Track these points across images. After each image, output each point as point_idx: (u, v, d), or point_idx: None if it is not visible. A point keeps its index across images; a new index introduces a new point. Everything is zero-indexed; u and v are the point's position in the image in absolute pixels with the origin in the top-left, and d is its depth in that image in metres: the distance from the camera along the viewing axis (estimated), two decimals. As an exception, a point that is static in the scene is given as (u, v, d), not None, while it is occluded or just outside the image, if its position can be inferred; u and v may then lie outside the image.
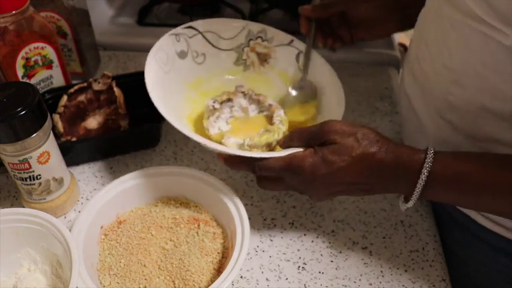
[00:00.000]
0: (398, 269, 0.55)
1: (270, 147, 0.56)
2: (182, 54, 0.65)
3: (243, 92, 0.63)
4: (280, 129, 0.57)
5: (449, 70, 0.50)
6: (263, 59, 0.68)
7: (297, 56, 0.67)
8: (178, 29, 0.65)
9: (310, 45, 0.66)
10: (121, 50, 0.88)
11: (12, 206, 0.61)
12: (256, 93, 0.64)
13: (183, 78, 0.65)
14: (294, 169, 0.49)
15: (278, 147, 0.57)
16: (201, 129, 0.61)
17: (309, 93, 0.66)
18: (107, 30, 0.91)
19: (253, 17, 0.94)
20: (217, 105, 0.60)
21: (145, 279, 0.51)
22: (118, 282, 0.51)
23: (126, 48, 0.88)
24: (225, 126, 0.61)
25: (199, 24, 0.66)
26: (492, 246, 0.56)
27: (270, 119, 0.61)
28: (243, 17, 0.93)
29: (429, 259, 0.56)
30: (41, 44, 0.66)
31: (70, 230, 0.49)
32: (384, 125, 0.74)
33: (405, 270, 0.55)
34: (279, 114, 0.60)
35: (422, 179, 0.45)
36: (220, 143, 0.56)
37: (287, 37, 0.67)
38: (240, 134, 0.59)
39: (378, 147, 0.47)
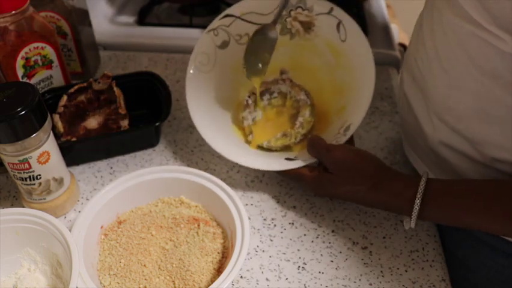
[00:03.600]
0: (398, 269, 0.55)
1: (288, 147, 0.64)
2: (223, 45, 0.67)
3: (283, 80, 0.66)
4: (299, 132, 0.64)
5: (446, 73, 0.50)
6: (307, 26, 0.67)
7: (338, 25, 0.65)
8: (214, 23, 0.66)
9: None
10: (121, 50, 0.88)
11: (12, 206, 0.61)
12: (295, 83, 0.66)
13: (229, 65, 0.67)
14: (303, 183, 0.60)
15: (295, 147, 0.65)
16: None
17: (271, 44, 0.65)
18: (107, 30, 0.91)
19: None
20: (250, 101, 0.67)
21: (145, 279, 0.51)
22: (118, 282, 0.51)
23: (126, 48, 0.88)
24: (259, 116, 0.67)
25: (234, 9, 0.67)
26: (490, 247, 0.56)
27: (294, 119, 0.66)
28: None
29: (429, 259, 0.56)
30: (41, 44, 0.66)
31: (70, 230, 0.49)
32: (384, 125, 0.74)
33: (405, 270, 0.55)
34: (304, 115, 0.64)
35: (415, 213, 0.49)
36: (248, 138, 0.66)
37: (326, 5, 0.66)
38: (268, 128, 0.67)
39: (371, 183, 0.53)
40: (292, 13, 0.67)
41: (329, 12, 0.65)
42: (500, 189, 0.47)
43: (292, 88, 0.67)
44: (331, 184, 0.56)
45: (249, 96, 0.67)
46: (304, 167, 0.59)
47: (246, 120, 0.66)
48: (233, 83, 0.69)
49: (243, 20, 0.67)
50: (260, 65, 0.65)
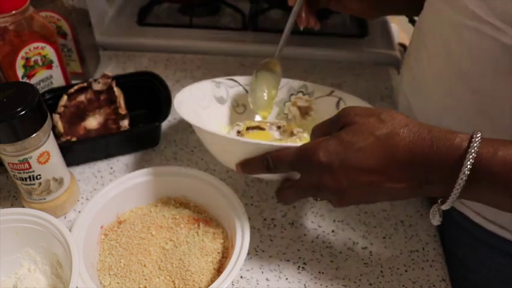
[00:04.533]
0: (398, 269, 0.55)
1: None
2: (221, 100, 0.67)
3: (279, 126, 0.64)
4: (295, 141, 0.59)
5: (447, 72, 0.50)
6: (304, 112, 0.68)
7: (338, 103, 0.66)
8: (220, 79, 0.67)
9: (293, 18, 0.64)
10: (121, 50, 0.88)
11: (12, 206, 0.61)
12: (289, 124, 0.65)
13: (220, 120, 0.66)
14: (308, 157, 0.42)
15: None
16: None
17: (275, 79, 0.65)
18: (107, 30, 0.91)
19: (253, 17, 0.94)
20: (240, 128, 0.62)
21: (145, 279, 0.51)
22: (118, 282, 0.51)
23: (126, 48, 0.88)
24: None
25: (241, 78, 0.68)
26: (489, 246, 0.56)
27: (290, 136, 0.63)
28: (243, 17, 0.93)
29: (429, 259, 0.56)
30: (41, 44, 0.66)
31: (70, 230, 0.49)
32: (384, 125, 0.74)
33: (405, 270, 0.55)
34: (299, 130, 0.61)
35: (466, 168, 0.36)
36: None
37: (327, 89, 0.67)
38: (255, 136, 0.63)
39: (407, 129, 0.39)
40: (293, 97, 0.68)
41: (329, 94, 0.67)
42: None
43: (288, 128, 0.64)
44: (352, 135, 0.41)
45: (237, 125, 0.62)
46: (309, 142, 0.46)
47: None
48: (222, 125, 0.67)
49: (244, 89, 0.68)
50: (266, 99, 0.65)
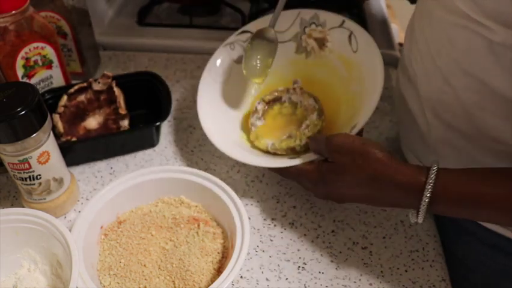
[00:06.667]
0: (398, 269, 0.55)
1: (294, 150, 0.61)
2: (239, 59, 0.68)
3: (294, 89, 0.66)
4: (305, 134, 0.61)
5: (439, 70, 0.51)
6: (321, 43, 0.68)
7: (349, 37, 0.66)
8: (231, 38, 0.68)
9: None
10: (121, 50, 0.88)
11: (12, 206, 0.61)
12: (305, 91, 0.66)
13: (244, 78, 0.67)
14: (304, 178, 0.55)
15: (301, 151, 0.61)
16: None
17: (270, 47, 0.65)
18: (107, 30, 0.91)
19: (253, 17, 0.94)
20: (259, 107, 0.66)
21: (145, 279, 0.51)
22: (118, 282, 0.51)
23: (126, 48, 0.88)
24: (261, 122, 0.66)
25: (251, 25, 0.68)
26: (489, 246, 0.56)
27: (300, 121, 0.64)
28: (243, 17, 0.93)
29: (429, 259, 0.56)
30: (41, 44, 0.66)
31: (70, 230, 0.49)
32: (384, 125, 0.74)
33: (405, 270, 0.55)
34: (311, 118, 0.63)
35: (425, 201, 0.45)
36: (254, 143, 0.64)
37: (338, 18, 0.67)
38: (269, 131, 0.65)
39: (373, 169, 0.47)
40: (307, 30, 0.68)
41: (341, 25, 0.66)
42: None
43: (302, 96, 0.66)
44: (331, 173, 0.51)
45: (259, 103, 0.67)
46: (305, 163, 0.56)
47: (253, 126, 0.65)
48: (245, 94, 0.70)
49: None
50: (259, 67, 0.65)
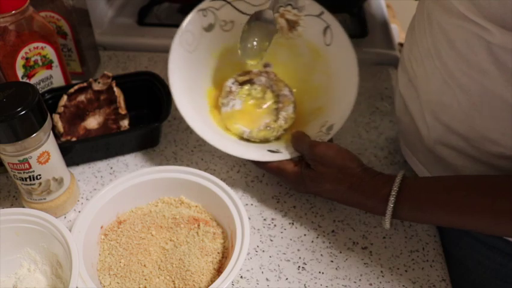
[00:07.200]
0: (398, 269, 0.55)
1: (267, 140, 0.63)
2: (209, 27, 0.66)
3: (267, 73, 0.65)
4: (281, 127, 0.62)
5: (439, 71, 0.51)
6: (292, 25, 0.67)
7: (325, 29, 0.65)
8: (205, 3, 0.65)
9: None
10: (121, 50, 0.88)
11: (12, 206, 0.61)
12: (278, 78, 0.65)
13: (210, 50, 0.66)
14: (284, 178, 0.60)
15: (277, 140, 0.64)
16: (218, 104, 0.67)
17: (268, 30, 0.64)
18: (107, 30, 0.91)
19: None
20: (234, 88, 0.65)
21: (145, 279, 0.51)
22: (118, 282, 0.51)
23: (126, 48, 0.88)
24: (238, 105, 0.65)
25: None
26: (489, 246, 0.56)
27: (277, 111, 0.64)
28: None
29: (429, 259, 0.56)
30: (41, 44, 0.66)
31: (70, 230, 0.49)
32: (384, 125, 0.74)
33: (405, 270, 0.55)
34: (287, 110, 0.63)
35: (389, 209, 0.49)
36: (227, 125, 0.64)
37: (317, 8, 0.66)
38: (246, 118, 0.65)
39: (350, 182, 0.53)
40: (281, 9, 0.67)
41: (319, 15, 0.66)
42: (481, 184, 0.46)
43: (276, 83, 0.66)
44: (311, 181, 0.56)
45: (233, 83, 0.65)
46: (286, 161, 0.59)
47: (224, 106, 0.65)
48: (211, 69, 0.68)
49: (232, 6, 0.66)
50: (255, 49, 0.64)
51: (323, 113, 0.64)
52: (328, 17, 0.65)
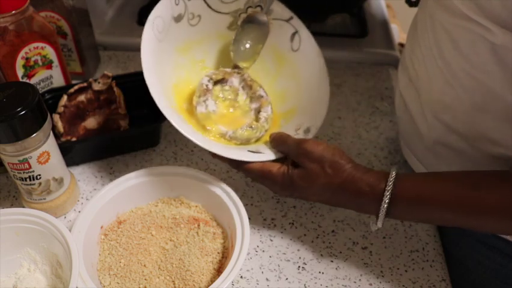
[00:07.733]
0: (398, 269, 0.55)
1: (248, 141, 0.60)
2: (178, 18, 0.63)
3: (240, 73, 0.63)
4: (264, 127, 0.60)
5: (441, 72, 0.51)
6: None
7: (292, 35, 0.65)
8: None
9: None
10: (121, 50, 0.88)
11: (12, 206, 0.61)
12: (252, 79, 0.64)
13: (175, 44, 0.63)
14: (269, 181, 0.55)
15: (256, 142, 0.61)
16: (187, 101, 0.63)
17: (261, 33, 0.64)
18: (107, 30, 0.91)
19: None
20: (210, 86, 0.61)
21: (145, 279, 0.51)
22: (118, 282, 0.51)
23: (126, 48, 0.88)
24: (212, 106, 0.61)
25: None
26: (489, 247, 0.56)
27: (256, 112, 0.63)
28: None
29: (429, 259, 0.56)
30: (41, 44, 0.66)
31: (70, 230, 0.49)
32: (384, 125, 0.74)
33: (405, 270, 0.55)
34: (267, 111, 0.62)
35: (384, 207, 0.48)
36: (204, 126, 0.59)
37: (287, 13, 0.65)
38: (224, 119, 0.61)
39: (341, 179, 0.50)
40: (249, 10, 0.65)
41: (287, 20, 0.65)
42: (473, 181, 0.45)
43: (250, 83, 0.64)
44: (301, 180, 0.52)
45: (209, 81, 0.61)
46: (270, 162, 0.55)
47: (199, 106, 0.60)
48: (173, 65, 0.64)
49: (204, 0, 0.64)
50: (248, 52, 0.64)
51: (295, 116, 0.63)
52: (297, 22, 0.65)
